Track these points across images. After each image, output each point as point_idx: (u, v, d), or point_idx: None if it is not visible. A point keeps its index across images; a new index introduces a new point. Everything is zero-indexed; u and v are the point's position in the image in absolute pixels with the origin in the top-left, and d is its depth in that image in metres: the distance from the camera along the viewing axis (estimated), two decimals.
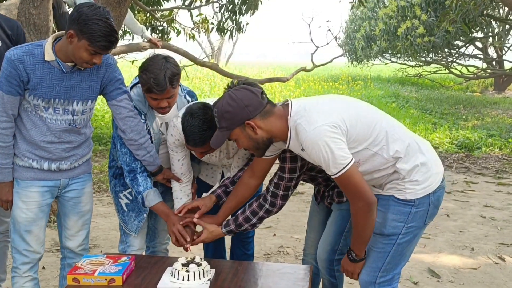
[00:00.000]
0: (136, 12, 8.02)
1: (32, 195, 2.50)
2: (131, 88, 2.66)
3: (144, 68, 2.50)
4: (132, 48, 6.00)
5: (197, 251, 3.40)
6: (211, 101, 2.66)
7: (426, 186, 2.19)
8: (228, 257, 3.27)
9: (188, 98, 2.80)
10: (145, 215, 2.76)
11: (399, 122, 2.31)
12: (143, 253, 2.96)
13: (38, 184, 2.50)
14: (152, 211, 2.75)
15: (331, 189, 2.68)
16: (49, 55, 2.32)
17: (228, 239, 3.21)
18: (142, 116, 2.63)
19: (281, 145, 2.31)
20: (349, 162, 2.04)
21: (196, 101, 2.62)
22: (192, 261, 2.33)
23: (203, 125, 2.42)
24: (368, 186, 2.10)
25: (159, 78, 2.43)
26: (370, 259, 2.29)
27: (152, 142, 2.66)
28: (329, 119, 2.06)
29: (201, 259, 2.36)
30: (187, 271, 2.24)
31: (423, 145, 2.27)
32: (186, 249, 2.65)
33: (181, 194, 2.79)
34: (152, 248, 3.04)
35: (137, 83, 2.63)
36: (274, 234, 4.64)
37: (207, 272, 2.27)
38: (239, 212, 2.55)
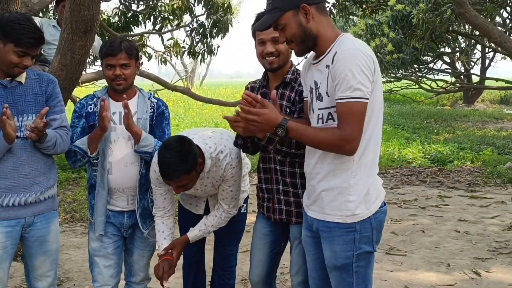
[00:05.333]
0: (106, 38, 7.98)
1: None
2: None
3: (105, 42, 2.75)
4: (102, 75, 5.94)
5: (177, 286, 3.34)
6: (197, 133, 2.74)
7: (366, 209, 2.14)
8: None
9: (153, 99, 2.85)
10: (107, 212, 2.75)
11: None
12: None
13: (1, 224, 2.43)
14: (130, 248, 2.90)
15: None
16: None
17: (208, 270, 3.17)
18: (95, 100, 2.76)
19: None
20: (364, 99, 2.00)
21: (174, 135, 2.66)
22: None
23: (176, 157, 2.40)
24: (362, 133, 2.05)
25: (114, 42, 2.65)
26: None
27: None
28: (374, 58, 2.06)
29: None
30: None
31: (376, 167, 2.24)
32: (162, 285, 2.68)
33: (163, 227, 2.78)
34: (129, 285, 2.98)
35: None
36: None
37: None
38: None
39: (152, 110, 2.81)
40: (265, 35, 2.50)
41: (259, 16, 2.52)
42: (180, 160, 2.40)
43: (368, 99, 2.02)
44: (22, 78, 2.46)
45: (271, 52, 2.50)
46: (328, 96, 2.10)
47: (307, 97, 2.32)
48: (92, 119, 2.75)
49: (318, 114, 2.17)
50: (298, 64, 2.97)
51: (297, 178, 2.58)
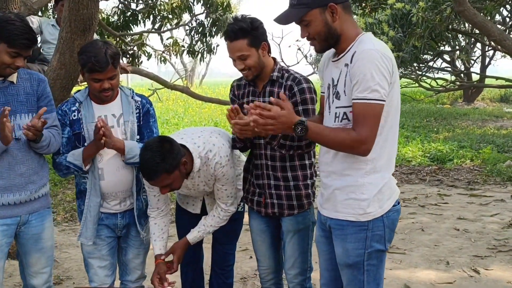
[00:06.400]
0: (106, 37, 7.98)
1: None
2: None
3: (84, 50, 2.55)
4: None
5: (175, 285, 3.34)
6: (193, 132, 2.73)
7: (378, 208, 2.14)
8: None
9: (136, 98, 2.77)
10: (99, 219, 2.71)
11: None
12: None
13: None
14: (124, 247, 2.87)
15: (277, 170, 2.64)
16: None
17: (207, 268, 3.17)
18: (77, 105, 2.65)
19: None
20: (380, 100, 2.00)
21: (156, 136, 2.66)
22: None
23: (156, 158, 2.39)
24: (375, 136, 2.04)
25: (99, 56, 2.47)
26: None
27: (83, 133, 2.65)
28: (392, 59, 2.05)
29: None
30: None
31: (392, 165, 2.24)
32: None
33: (154, 228, 2.78)
34: (124, 284, 2.97)
35: None
36: (251, 257, 4.59)
37: None
38: None
39: (137, 110, 2.74)
40: (232, 54, 2.57)
41: (227, 32, 2.54)
42: (159, 160, 2.39)
43: (384, 101, 2.02)
44: (14, 77, 2.45)
45: (242, 69, 2.57)
46: (345, 95, 2.11)
47: (323, 92, 2.32)
48: (77, 127, 2.66)
49: (336, 113, 2.17)
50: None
51: (288, 172, 2.64)
